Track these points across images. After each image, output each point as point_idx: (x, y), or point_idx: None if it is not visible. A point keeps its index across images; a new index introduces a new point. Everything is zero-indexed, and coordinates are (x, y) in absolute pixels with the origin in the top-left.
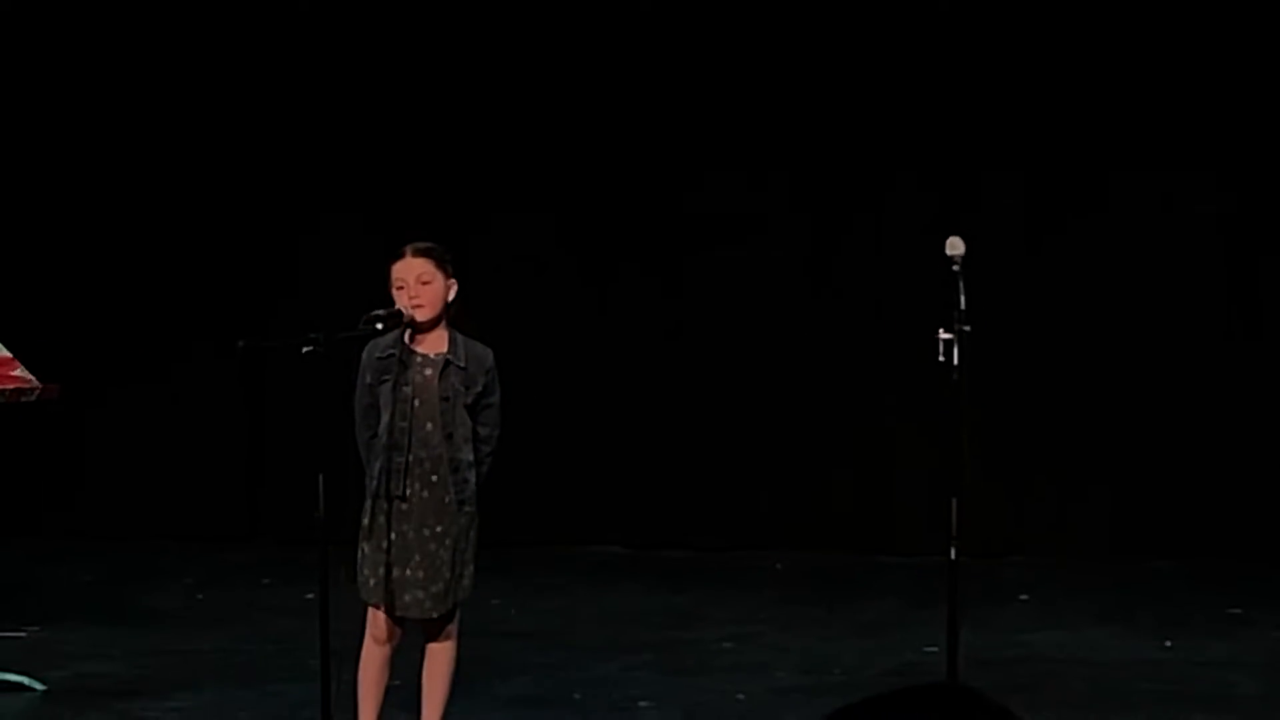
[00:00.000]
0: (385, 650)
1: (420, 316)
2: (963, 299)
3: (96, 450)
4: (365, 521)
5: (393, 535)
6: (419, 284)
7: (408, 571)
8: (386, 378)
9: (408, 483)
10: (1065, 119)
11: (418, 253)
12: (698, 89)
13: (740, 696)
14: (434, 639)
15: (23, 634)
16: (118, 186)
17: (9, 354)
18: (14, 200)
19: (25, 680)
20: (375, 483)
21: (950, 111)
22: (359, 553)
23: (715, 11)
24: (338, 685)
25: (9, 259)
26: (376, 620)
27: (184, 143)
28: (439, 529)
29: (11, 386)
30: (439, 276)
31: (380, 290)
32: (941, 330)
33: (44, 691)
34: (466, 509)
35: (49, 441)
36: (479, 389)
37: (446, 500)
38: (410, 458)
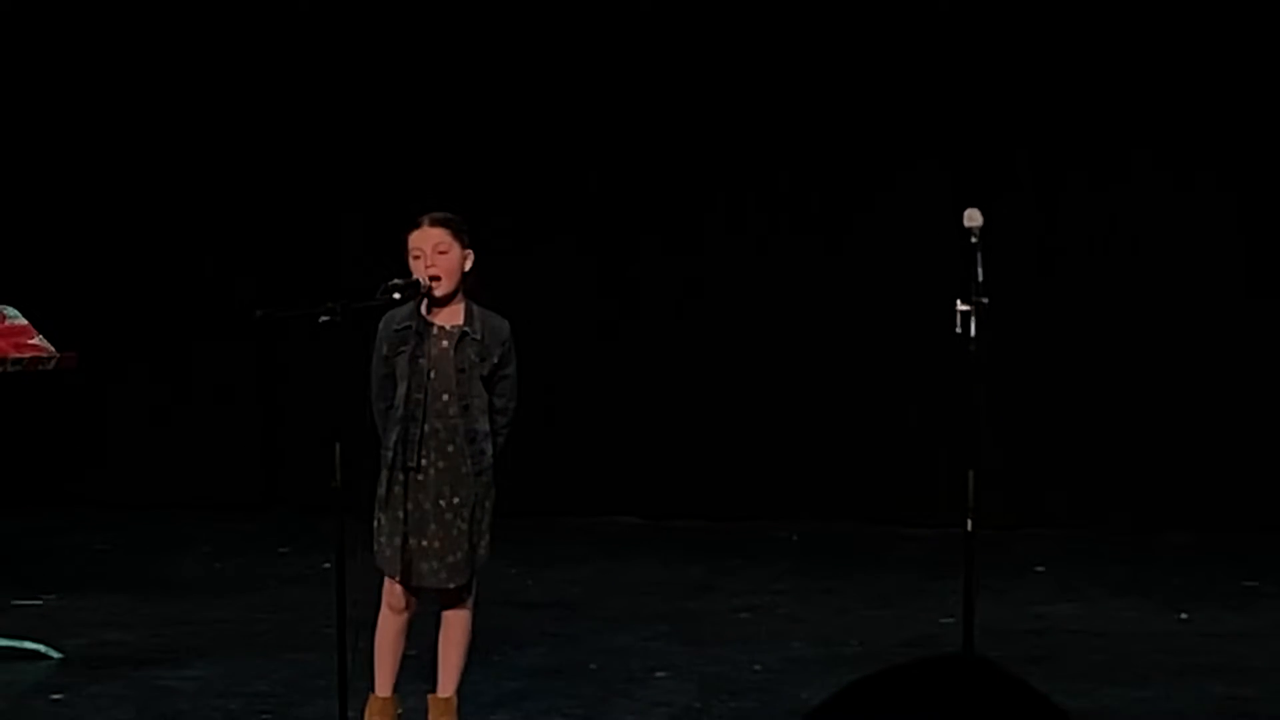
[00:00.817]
0: (402, 619)
1: (438, 289)
2: (980, 271)
3: (114, 420)
4: (381, 492)
5: (409, 506)
6: (436, 254)
7: (424, 542)
8: (403, 349)
9: (423, 453)
10: (1084, 90)
11: (435, 222)
12: (716, 63)
13: (756, 667)
14: (450, 609)
15: (40, 602)
16: (137, 158)
17: (26, 322)
18: (35, 172)
19: (43, 648)
20: (391, 453)
21: (968, 83)
22: (375, 522)
23: None
24: (354, 654)
25: (30, 229)
26: (393, 590)
27: (204, 117)
28: (456, 500)
29: (29, 355)
30: (456, 246)
31: (398, 262)
32: (959, 302)
33: (61, 660)
34: (483, 479)
35: (67, 411)
36: (495, 360)
37: (464, 471)
38: (426, 428)
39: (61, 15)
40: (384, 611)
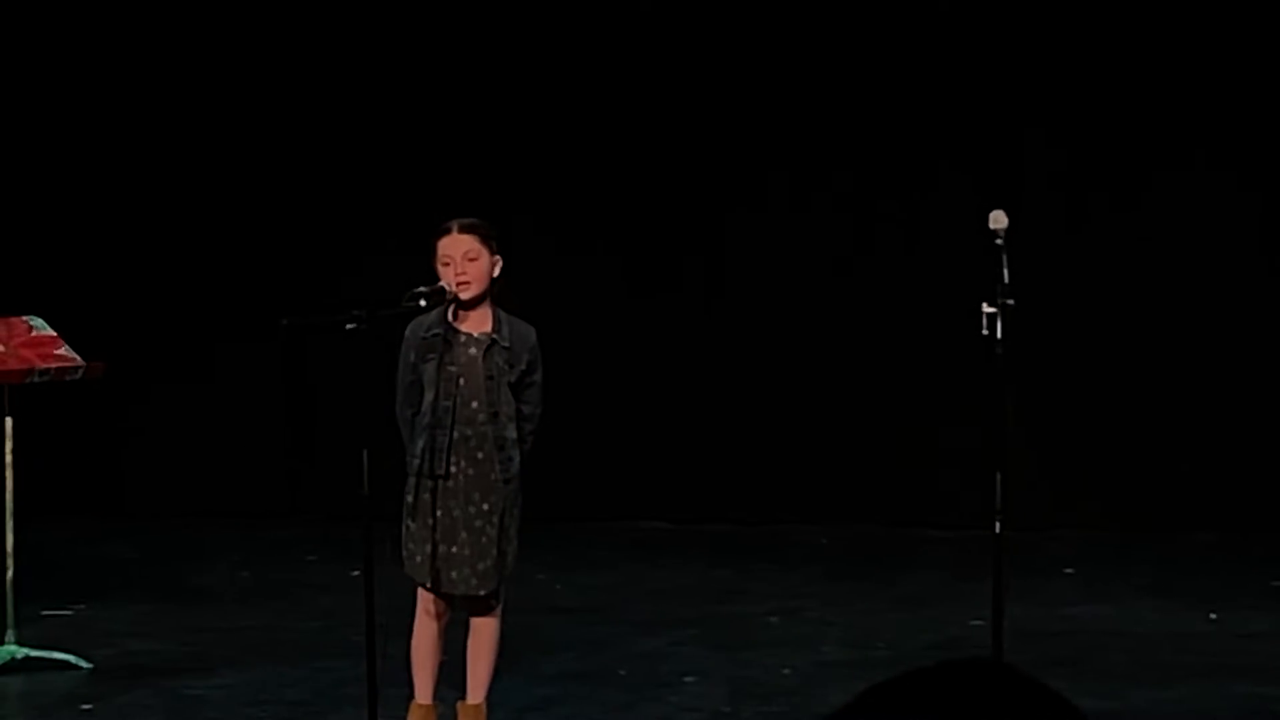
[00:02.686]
0: (437, 626)
1: (465, 294)
2: (1005, 272)
3: (141, 428)
4: (410, 499)
5: (438, 513)
6: (465, 260)
7: (454, 549)
8: (431, 356)
9: (452, 460)
10: (1108, 90)
11: (464, 229)
12: (738, 65)
13: (786, 671)
14: (479, 615)
15: (69, 613)
16: (163, 167)
17: (53, 333)
18: (61, 182)
19: (71, 658)
20: (418, 460)
21: (993, 84)
22: (404, 529)
23: None
24: (383, 661)
25: (57, 239)
26: (426, 597)
27: (232, 125)
28: (485, 506)
29: (56, 365)
30: (485, 253)
31: (423, 269)
32: (985, 304)
33: (90, 669)
34: (511, 486)
35: (94, 420)
36: (523, 367)
37: (492, 478)
38: (455, 435)
39: (88, 27)
40: (419, 618)
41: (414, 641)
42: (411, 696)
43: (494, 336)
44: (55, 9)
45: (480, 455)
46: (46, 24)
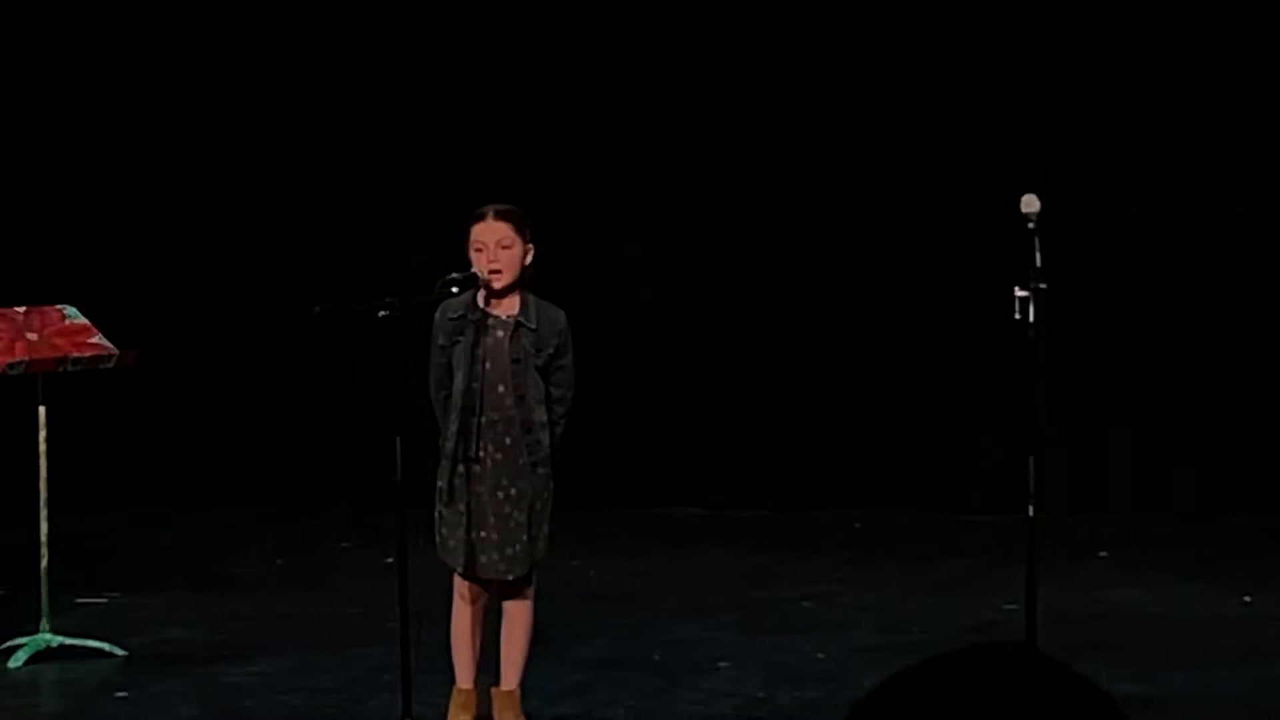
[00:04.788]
0: (474, 610)
1: (497, 283)
2: (1038, 256)
3: (175, 417)
4: (442, 485)
5: (469, 497)
6: (499, 248)
7: (483, 534)
8: (459, 339)
9: (481, 444)
10: (1140, 70)
11: (499, 215)
12: (769, 46)
13: (820, 656)
14: (511, 601)
15: (104, 601)
16: (196, 155)
17: (86, 321)
18: (94, 170)
19: (107, 646)
20: (450, 444)
21: (1023, 67)
22: (437, 515)
23: None
24: (418, 648)
25: (90, 228)
26: (460, 581)
27: (263, 112)
28: (514, 491)
29: (90, 354)
30: (518, 242)
31: (454, 254)
32: (1017, 288)
33: (125, 657)
34: (541, 470)
35: (129, 409)
36: (551, 351)
37: (521, 462)
38: (483, 419)
39: (120, 18)
40: (456, 604)
41: (452, 627)
42: (453, 682)
43: (520, 319)
44: (92, 8)
45: (508, 440)
46: (79, 16)
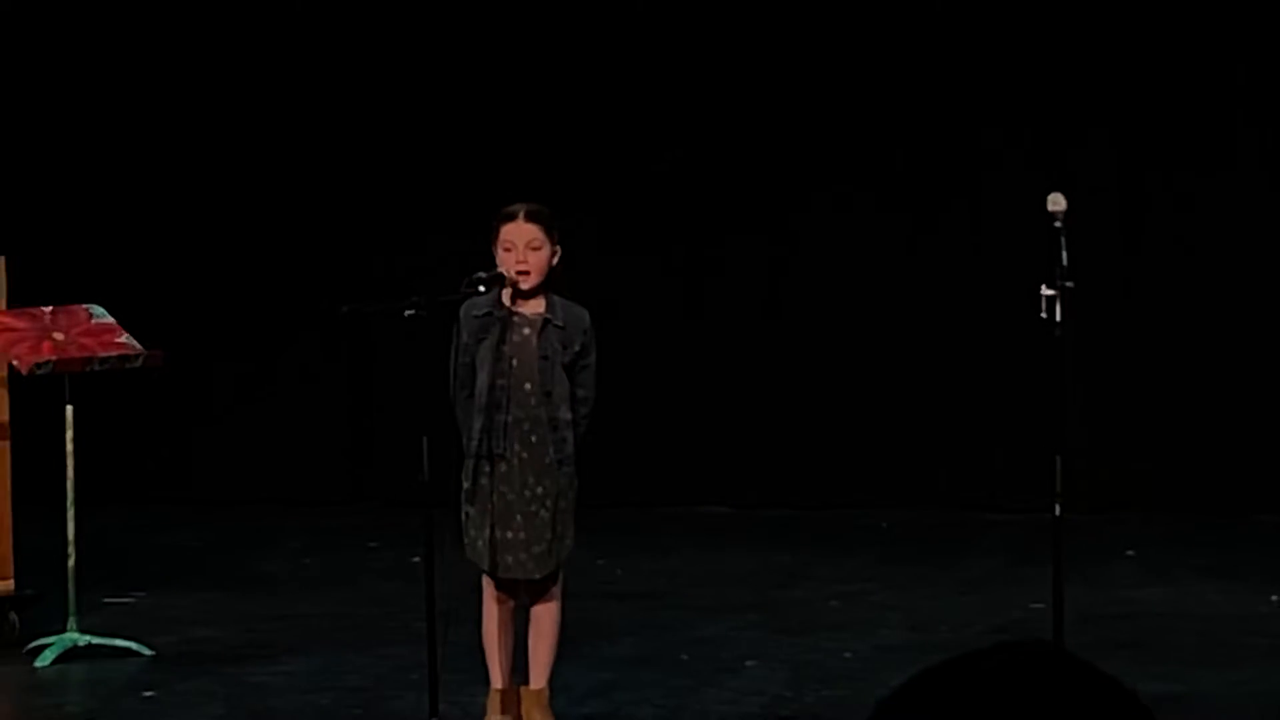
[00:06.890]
0: (504, 610)
1: (525, 284)
2: (1064, 255)
3: (202, 416)
4: (467, 484)
5: (494, 497)
6: (528, 249)
7: (509, 533)
8: (484, 337)
9: (506, 443)
10: (1168, 70)
11: (530, 217)
12: (794, 51)
13: (847, 655)
14: (538, 600)
15: (131, 600)
16: (221, 155)
17: (112, 320)
18: (120, 169)
19: (134, 646)
20: (475, 442)
21: (1051, 65)
22: (463, 515)
23: None
24: (445, 647)
25: (116, 227)
26: (489, 581)
27: (288, 111)
28: (539, 489)
29: (116, 353)
30: (548, 244)
31: (480, 254)
32: (1044, 286)
33: (152, 657)
34: (565, 469)
35: (155, 408)
36: (576, 349)
37: (546, 460)
38: (509, 417)
39: (142, 17)
40: (486, 604)
41: (484, 628)
42: (485, 682)
43: (547, 317)
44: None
45: (534, 439)
46: (108, 18)
